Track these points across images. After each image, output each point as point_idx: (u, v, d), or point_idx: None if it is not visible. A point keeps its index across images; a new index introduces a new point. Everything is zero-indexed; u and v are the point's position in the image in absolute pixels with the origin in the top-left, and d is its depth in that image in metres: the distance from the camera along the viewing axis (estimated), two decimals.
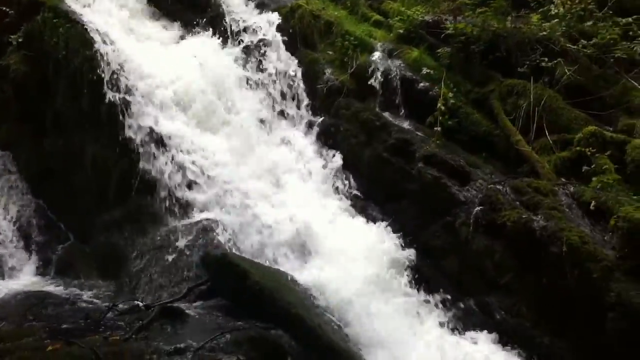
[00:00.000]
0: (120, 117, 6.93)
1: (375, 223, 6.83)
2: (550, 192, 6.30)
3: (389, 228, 6.73)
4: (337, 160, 7.59)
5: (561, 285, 5.58)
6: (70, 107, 7.41)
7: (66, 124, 7.50)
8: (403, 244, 6.56)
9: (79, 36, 7.37)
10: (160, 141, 6.89)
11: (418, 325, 5.87)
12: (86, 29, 7.39)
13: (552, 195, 6.26)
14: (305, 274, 5.69)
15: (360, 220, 6.90)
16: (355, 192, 7.36)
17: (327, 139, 7.90)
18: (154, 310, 4.93)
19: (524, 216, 5.96)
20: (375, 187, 7.39)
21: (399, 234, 6.67)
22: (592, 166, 6.52)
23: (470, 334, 5.83)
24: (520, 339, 5.64)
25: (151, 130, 6.91)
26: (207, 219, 6.31)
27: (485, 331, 5.79)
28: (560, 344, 5.52)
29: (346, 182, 7.40)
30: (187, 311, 5.05)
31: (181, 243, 6.09)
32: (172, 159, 6.80)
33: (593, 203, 6.06)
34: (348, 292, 5.61)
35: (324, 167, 7.54)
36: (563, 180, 6.66)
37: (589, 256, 5.49)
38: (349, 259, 6.07)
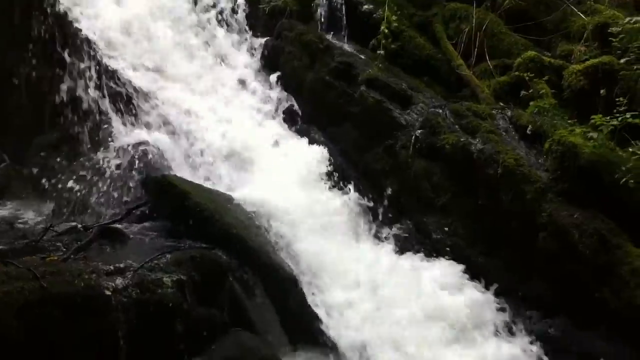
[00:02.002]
0: (57, 35, 6.64)
1: (317, 146, 6.82)
2: (489, 116, 6.42)
3: (330, 150, 6.73)
4: (280, 83, 7.50)
5: (496, 206, 5.76)
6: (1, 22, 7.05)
7: None
8: (344, 167, 6.60)
9: None
10: (99, 63, 6.64)
11: (357, 245, 5.97)
12: None
13: (490, 119, 6.38)
14: (245, 195, 5.67)
15: (302, 142, 6.90)
16: (297, 114, 7.33)
17: (269, 61, 7.80)
18: (92, 231, 4.86)
19: (462, 139, 6.07)
20: (318, 111, 7.37)
21: (341, 157, 6.69)
22: (530, 91, 6.64)
23: (409, 253, 5.95)
24: (455, 258, 5.81)
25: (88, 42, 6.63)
26: (145, 141, 6.20)
27: (422, 250, 5.93)
28: (493, 262, 5.73)
29: (288, 104, 7.34)
30: (126, 232, 5.00)
31: (120, 165, 5.98)
32: (111, 78, 6.58)
33: (529, 127, 6.21)
34: (288, 213, 5.62)
35: (266, 89, 7.46)
36: (501, 104, 6.78)
37: (523, 178, 5.66)
38: (289, 180, 6.08)
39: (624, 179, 5.20)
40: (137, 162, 5.96)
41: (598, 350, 5.01)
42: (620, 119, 5.54)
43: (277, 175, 6.18)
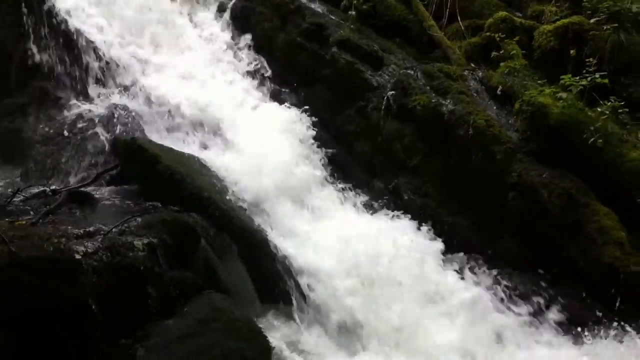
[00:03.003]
0: None
1: (289, 108, 6.78)
2: (460, 77, 6.44)
3: (303, 113, 6.70)
4: (251, 44, 7.42)
5: (466, 167, 5.83)
6: None
7: None
8: (317, 129, 6.58)
9: None
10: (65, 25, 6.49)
11: (329, 207, 5.99)
12: None
13: (461, 80, 6.40)
14: (215, 157, 5.64)
15: (274, 104, 6.85)
16: (269, 76, 7.26)
17: (240, 22, 7.68)
18: (61, 195, 4.79)
19: (433, 100, 6.09)
20: (289, 72, 7.30)
21: (313, 119, 6.66)
22: (501, 52, 6.66)
23: (382, 213, 5.98)
24: (426, 218, 5.86)
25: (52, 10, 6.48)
26: (114, 104, 6.10)
27: (396, 210, 5.96)
28: (462, 222, 5.81)
29: (259, 66, 7.27)
30: (96, 196, 4.95)
31: (89, 128, 5.89)
32: (77, 40, 6.45)
33: (500, 87, 6.25)
34: (261, 176, 5.60)
35: (237, 51, 7.36)
36: (472, 65, 6.79)
37: (493, 138, 5.71)
38: (262, 142, 6.04)
39: (592, 139, 5.28)
40: (106, 125, 5.88)
41: (565, 305, 5.12)
42: (589, 79, 5.61)
43: (249, 137, 6.12)
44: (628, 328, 4.79)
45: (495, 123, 5.83)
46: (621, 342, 4.72)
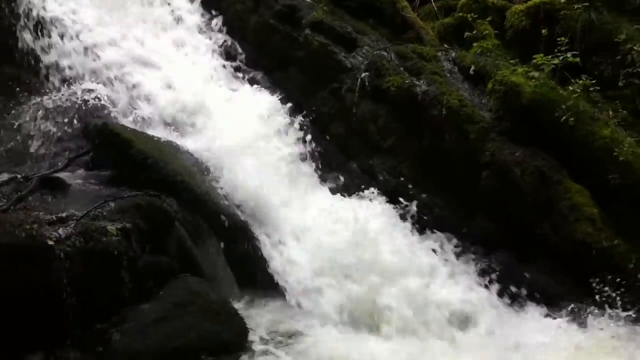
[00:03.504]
0: None
1: (262, 90, 6.75)
2: (433, 58, 6.45)
3: (276, 95, 6.67)
4: (222, 26, 7.35)
5: (440, 147, 5.85)
6: None
7: None
8: (291, 112, 6.55)
9: None
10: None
11: (306, 190, 5.99)
12: None
13: (434, 61, 6.41)
14: (189, 141, 5.60)
15: (246, 87, 6.81)
16: (241, 59, 7.21)
17: (211, 4, 7.59)
18: (33, 181, 4.73)
19: (407, 81, 6.09)
20: (262, 55, 7.26)
21: (287, 101, 6.63)
22: (474, 32, 6.68)
23: (358, 194, 5.97)
24: (401, 198, 5.83)
25: None
26: (86, 90, 6.02)
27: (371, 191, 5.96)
28: (437, 201, 5.84)
29: (231, 48, 7.21)
30: (68, 182, 4.88)
31: (61, 113, 5.82)
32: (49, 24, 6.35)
33: (472, 67, 6.28)
34: (236, 159, 5.58)
35: (208, 33, 7.29)
36: (445, 46, 6.81)
37: (466, 118, 5.75)
38: (235, 125, 6.00)
39: (564, 117, 5.33)
40: (78, 110, 5.81)
41: (539, 282, 5.19)
42: (561, 58, 5.66)
43: (221, 120, 6.07)
44: (600, 303, 4.84)
45: (468, 103, 5.86)
46: (593, 317, 4.78)
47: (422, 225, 5.67)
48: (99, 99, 5.91)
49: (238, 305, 4.62)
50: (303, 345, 4.29)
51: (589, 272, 5.03)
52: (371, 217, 5.49)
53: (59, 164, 5.36)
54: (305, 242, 5.22)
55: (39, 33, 6.34)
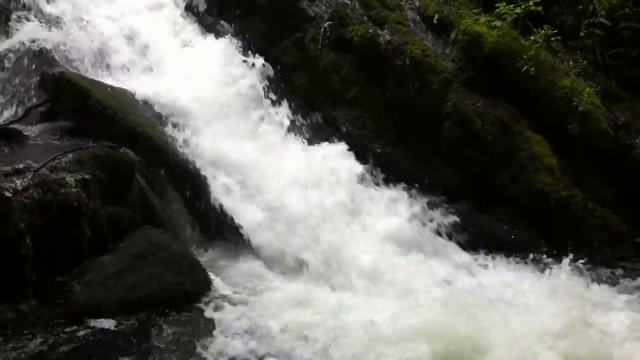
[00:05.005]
0: None
1: (225, 39, 6.61)
2: (397, 7, 6.41)
3: (239, 44, 6.56)
4: None
5: (403, 98, 5.84)
6: None
7: None
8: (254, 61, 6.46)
9: None
10: None
11: (275, 141, 5.95)
12: None
13: (398, 10, 6.37)
14: (148, 90, 5.49)
15: (209, 36, 6.69)
16: (204, 9, 7.05)
17: None
18: None
19: (370, 31, 6.04)
20: (224, 3, 7.10)
21: (249, 51, 6.53)
22: None
23: (320, 144, 5.97)
24: (364, 149, 5.87)
25: None
26: (43, 38, 5.84)
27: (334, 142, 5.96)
28: (400, 152, 5.83)
29: None
30: (25, 133, 4.80)
31: (16, 63, 5.66)
32: None
33: (436, 17, 6.25)
34: (194, 108, 5.51)
35: None
36: None
37: (429, 69, 5.74)
38: (197, 75, 5.91)
39: (525, 67, 5.36)
40: (33, 59, 5.66)
41: (497, 231, 5.28)
42: (523, 7, 5.66)
43: (182, 67, 5.98)
44: (555, 252, 4.92)
45: (431, 53, 5.84)
46: (549, 267, 4.84)
47: (385, 175, 5.70)
48: (56, 48, 5.75)
49: (201, 258, 4.63)
50: (265, 296, 4.32)
51: (547, 221, 5.13)
52: (334, 167, 5.50)
53: (16, 115, 5.26)
54: (269, 194, 5.20)
55: None
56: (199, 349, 3.62)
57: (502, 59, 5.52)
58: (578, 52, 5.85)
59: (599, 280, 4.46)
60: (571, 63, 5.70)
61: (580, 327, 3.66)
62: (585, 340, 3.56)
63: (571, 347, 3.51)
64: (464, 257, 5.08)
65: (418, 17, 6.40)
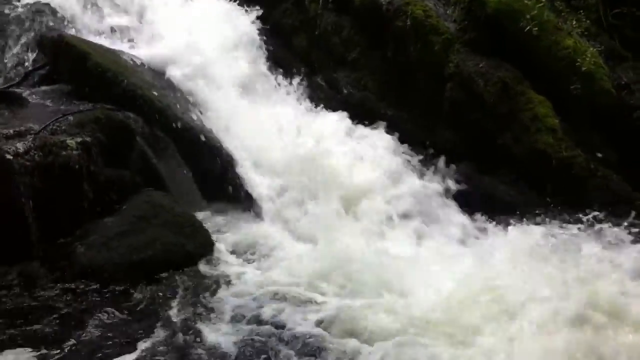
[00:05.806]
0: None
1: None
2: None
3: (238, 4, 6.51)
4: None
5: (405, 59, 5.79)
6: None
7: None
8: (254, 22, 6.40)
9: None
10: None
11: (277, 102, 5.93)
12: None
13: None
14: (147, 53, 5.45)
15: None
16: None
17: None
18: None
19: None
20: None
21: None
22: None
23: (322, 107, 5.95)
24: (366, 112, 5.85)
25: None
26: (40, 2, 5.81)
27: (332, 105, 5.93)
28: (401, 114, 5.82)
29: None
30: (25, 96, 4.80)
31: (15, 27, 5.63)
32: None
33: None
34: (198, 71, 5.48)
35: None
36: None
37: (431, 29, 5.68)
38: (197, 37, 5.83)
39: (528, 27, 5.29)
40: (32, 22, 5.62)
41: (500, 192, 5.27)
42: None
43: (184, 32, 5.89)
44: (557, 212, 4.92)
45: (433, 14, 5.78)
46: (550, 225, 4.85)
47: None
48: (54, 11, 5.71)
49: (204, 220, 4.64)
50: (269, 259, 4.34)
51: (547, 182, 5.13)
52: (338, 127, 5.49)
53: (15, 78, 5.24)
54: (275, 152, 5.19)
55: None
56: (200, 309, 3.65)
57: (504, 19, 5.45)
58: (581, 11, 5.76)
59: (602, 241, 4.46)
60: (574, 23, 5.61)
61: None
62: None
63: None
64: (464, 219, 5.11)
65: None
